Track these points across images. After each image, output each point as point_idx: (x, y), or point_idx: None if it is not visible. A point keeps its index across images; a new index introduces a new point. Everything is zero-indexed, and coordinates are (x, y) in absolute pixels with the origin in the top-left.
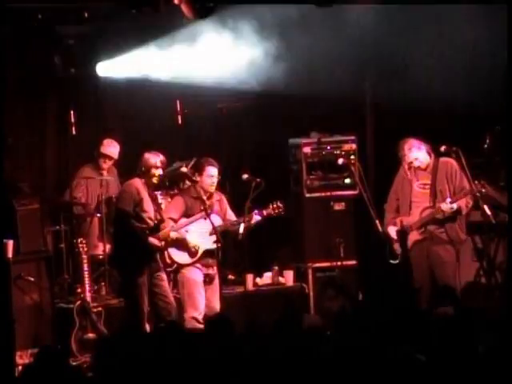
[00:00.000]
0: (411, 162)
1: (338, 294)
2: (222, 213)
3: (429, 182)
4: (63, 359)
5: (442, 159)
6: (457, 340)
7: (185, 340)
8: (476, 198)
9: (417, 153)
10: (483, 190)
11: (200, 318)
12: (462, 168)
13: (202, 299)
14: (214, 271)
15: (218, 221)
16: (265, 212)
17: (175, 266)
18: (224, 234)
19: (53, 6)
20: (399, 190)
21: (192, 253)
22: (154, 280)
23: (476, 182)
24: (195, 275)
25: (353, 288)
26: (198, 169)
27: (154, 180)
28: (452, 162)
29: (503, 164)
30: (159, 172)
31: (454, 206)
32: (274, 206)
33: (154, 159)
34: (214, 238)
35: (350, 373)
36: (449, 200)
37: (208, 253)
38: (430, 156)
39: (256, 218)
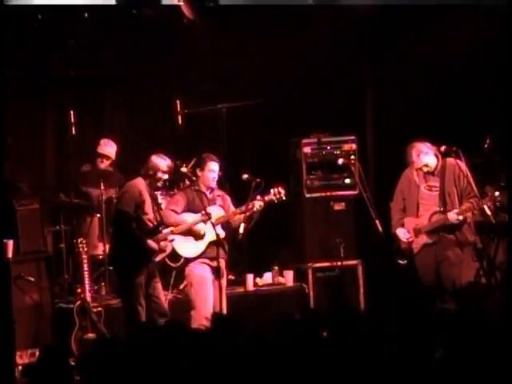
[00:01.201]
0: (420, 168)
1: (336, 295)
2: (226, 208)
3: (436, 184)
4: (64, 359)
5: (449, 161)
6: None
7: (187, 339)
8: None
9: (425, 158)
10: (497, 204)
11: (209, 315)
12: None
13: (210, 297)
14: (222, 263)
15: (220, 212)
16: (266, 198)
17: (181, 261)
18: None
19: (53, 5)
20: (405, 190)
21: (198, 235)
22: (150, 281)
23: (490, 193)
24: (203, 272)
25: (352, 288)
26: (200, 164)
27: (159, 184)
28: (459, 163)
29: (503, 164)
30: (165, 177)
31: (461, 217)
32: (276, 191)
33: (162, 163)
34: (218, 228)
35: (351, 373)
36: (456, 211)
37: (213, 244)
38: (437, 158)
39: (258, 203)
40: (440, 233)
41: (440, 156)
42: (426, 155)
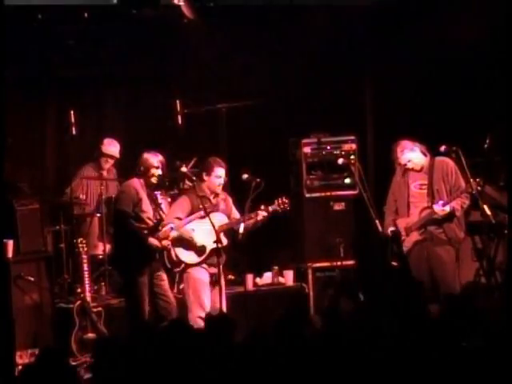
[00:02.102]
0: (405, 164)
1: (338, 294)
2: (228, 211)
3: (425, 182)
4: (63, 359)
5: (438, 159)
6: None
7: (190, 338)
8: (473, 196)
9: (409, 154)
10: (479, 188)
11: (203, 316)
12: (462, 168)
13: (207, 299)
14: (219, 270)
15: (223, 219)
16: (270, 208)
17: (182, 266)
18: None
19: (53, 5)
20: (396, 191)
21: (199, 252)
22: (155, 280)
23: (472, 180)
24: (202, 275)
25: (352, 288)
26: (207, 169)
27: (153, 180)
28: (448, 161)
29: (503, 164)
30: (158, 172)
31: (447, 208)
32: (280, 201)
33: (153, 159)
34: (221, 236)
35: (350, 372)
36: (441, 202)
37: (214, 252)
38: (426, 156)
39: (262, 214)
40: (429, 227)
41: (429, 154)
42: (410, 152)
